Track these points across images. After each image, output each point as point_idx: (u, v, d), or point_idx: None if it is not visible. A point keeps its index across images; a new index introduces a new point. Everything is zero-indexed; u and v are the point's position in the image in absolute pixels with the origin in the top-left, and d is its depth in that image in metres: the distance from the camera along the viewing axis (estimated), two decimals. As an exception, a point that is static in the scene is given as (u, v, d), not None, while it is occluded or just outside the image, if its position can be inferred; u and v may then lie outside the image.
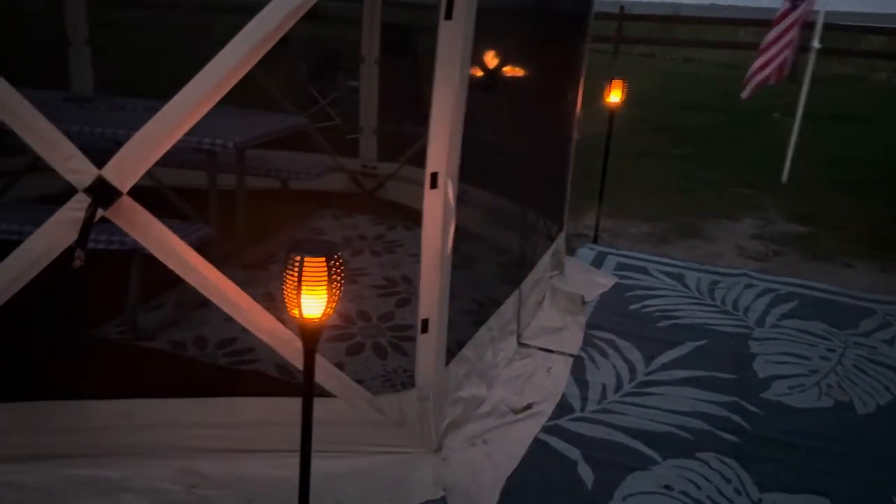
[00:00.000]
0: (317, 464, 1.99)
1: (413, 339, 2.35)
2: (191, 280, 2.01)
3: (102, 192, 1.82)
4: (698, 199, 5.88)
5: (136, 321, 2.98)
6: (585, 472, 2.44)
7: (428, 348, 2.33)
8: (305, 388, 1.77)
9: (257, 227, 3.79)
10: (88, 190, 1.83)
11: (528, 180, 3.42)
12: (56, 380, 2.37)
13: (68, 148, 1.84)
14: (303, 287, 1.51)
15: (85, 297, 2.90)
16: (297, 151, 4.41)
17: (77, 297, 2.90)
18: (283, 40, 1.85)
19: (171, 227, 2.81)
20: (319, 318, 1.60)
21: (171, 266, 1.97)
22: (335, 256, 1.55)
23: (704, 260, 4.49)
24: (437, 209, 2.19)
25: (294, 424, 2.05)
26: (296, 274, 1.51)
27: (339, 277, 1.55)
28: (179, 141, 2.99)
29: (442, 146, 2.14)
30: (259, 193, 3.87)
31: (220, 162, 3.45)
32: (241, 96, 2.10)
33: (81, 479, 2.12)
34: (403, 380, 2.77)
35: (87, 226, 1.73)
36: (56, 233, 1.86)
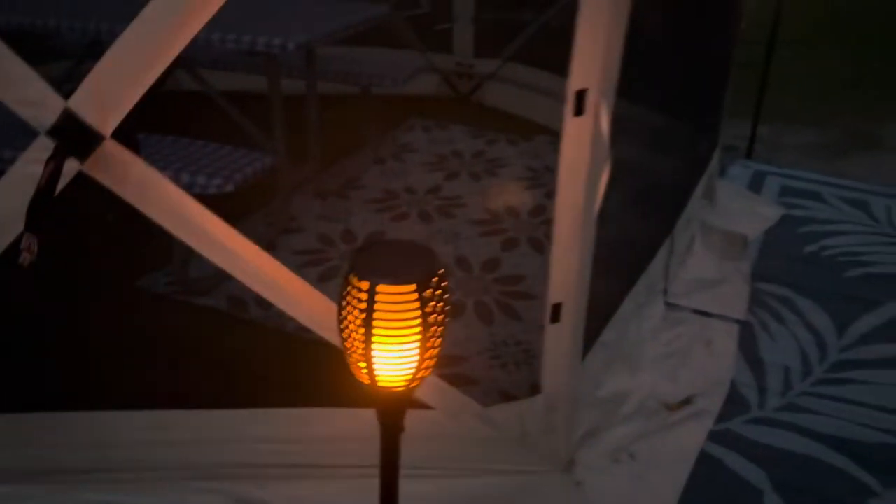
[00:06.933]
0: (408, 486, 1.39)
1: (526, 298, 1.68)
2: (222, 262, 1.37)
3: (72, 135, 1.17)
4: (873, 99, 4.73)
5: (187, 270, 2.43)
6: (777, 510, 1.75)
7: (560, 343, 1.64)
8: (384, 482, 1.10)
9: (334, 143, 3.17)
10: (53, 132, 1.18)
11: (683, 80, 2.54)
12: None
13: (17, 66, 1.18)
14: (373, 336, 0.82)
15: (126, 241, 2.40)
16: (378, 47, 3.65)
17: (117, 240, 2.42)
18: None
19: (213, 156, 2.22)
20: (404, 385, 0.92)
21: (190, 243, 1.33)
22: (434, 278, 0.84)
23: (894, 180, 3.51)
24: (584, 146, 1.43)
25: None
26: (362, 311, 0.82)
27: (439, 318, 0.85)
28: (224, 41, 2.29)
29: (594, 49, 1.35)
30: (334, 100, 3.23)
31: (286, 64, 2.77)
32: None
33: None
34: (516, 357, 2.13)
35: (45, 190, 1.09)
36: (11, 198, 1.23)
